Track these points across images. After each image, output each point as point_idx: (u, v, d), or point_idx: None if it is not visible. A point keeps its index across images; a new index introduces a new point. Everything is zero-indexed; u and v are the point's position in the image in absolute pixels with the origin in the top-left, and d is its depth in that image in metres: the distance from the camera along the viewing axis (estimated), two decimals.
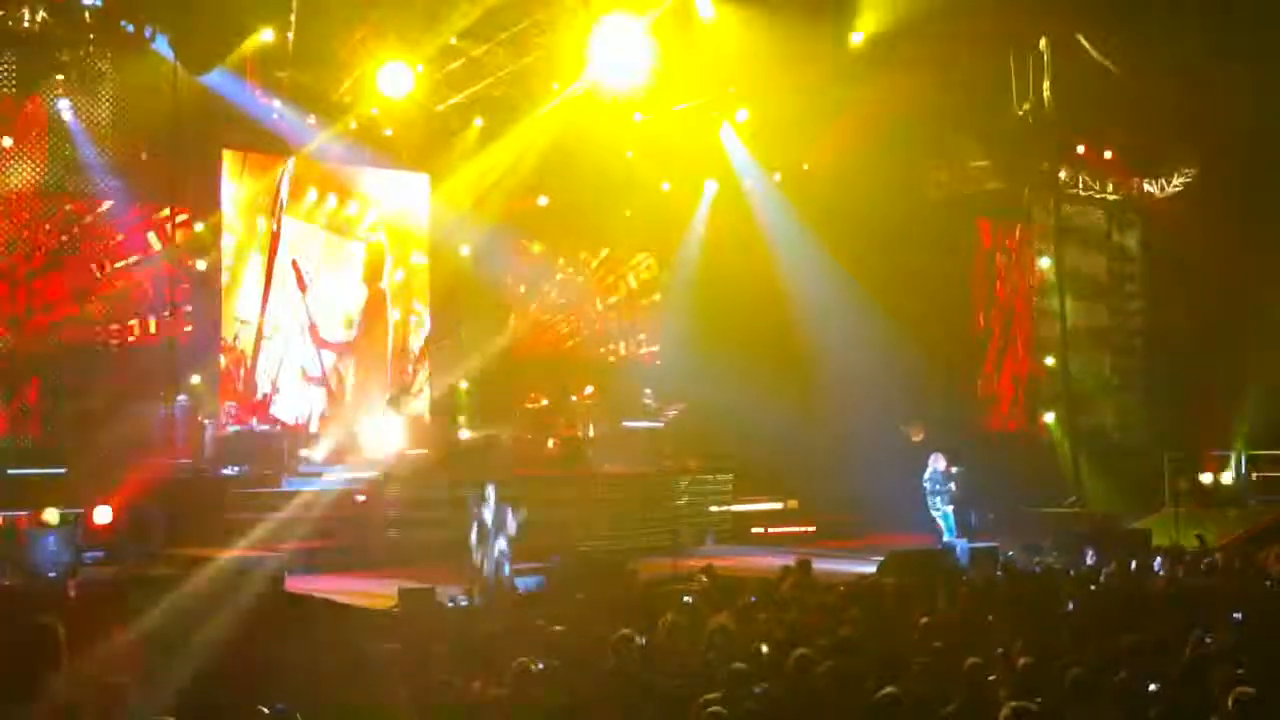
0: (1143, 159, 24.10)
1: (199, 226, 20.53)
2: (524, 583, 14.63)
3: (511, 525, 14.83)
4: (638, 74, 19.79)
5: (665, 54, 19.50)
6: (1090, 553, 16.36)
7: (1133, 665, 8.34)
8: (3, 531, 15.38)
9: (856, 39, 19.55)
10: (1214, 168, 22.68)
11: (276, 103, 20.49)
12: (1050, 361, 24.54)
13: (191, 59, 18.39)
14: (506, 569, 14.69)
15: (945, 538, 18.52)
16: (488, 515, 14.83)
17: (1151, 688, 7.80)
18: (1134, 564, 14.52)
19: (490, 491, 15.02)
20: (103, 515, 16.16)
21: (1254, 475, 22.20)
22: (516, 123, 22.01)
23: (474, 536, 14.82)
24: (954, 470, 18.76)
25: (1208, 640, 8.94)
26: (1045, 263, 25.07)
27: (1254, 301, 22.04)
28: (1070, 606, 10.93)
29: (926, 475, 18.79)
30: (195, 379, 20.11)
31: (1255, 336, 21.82)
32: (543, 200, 24.26)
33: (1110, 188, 25.13)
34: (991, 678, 8.23)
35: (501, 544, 14.71)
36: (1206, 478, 22.40)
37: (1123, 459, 22.95)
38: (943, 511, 18.66)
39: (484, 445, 21.15)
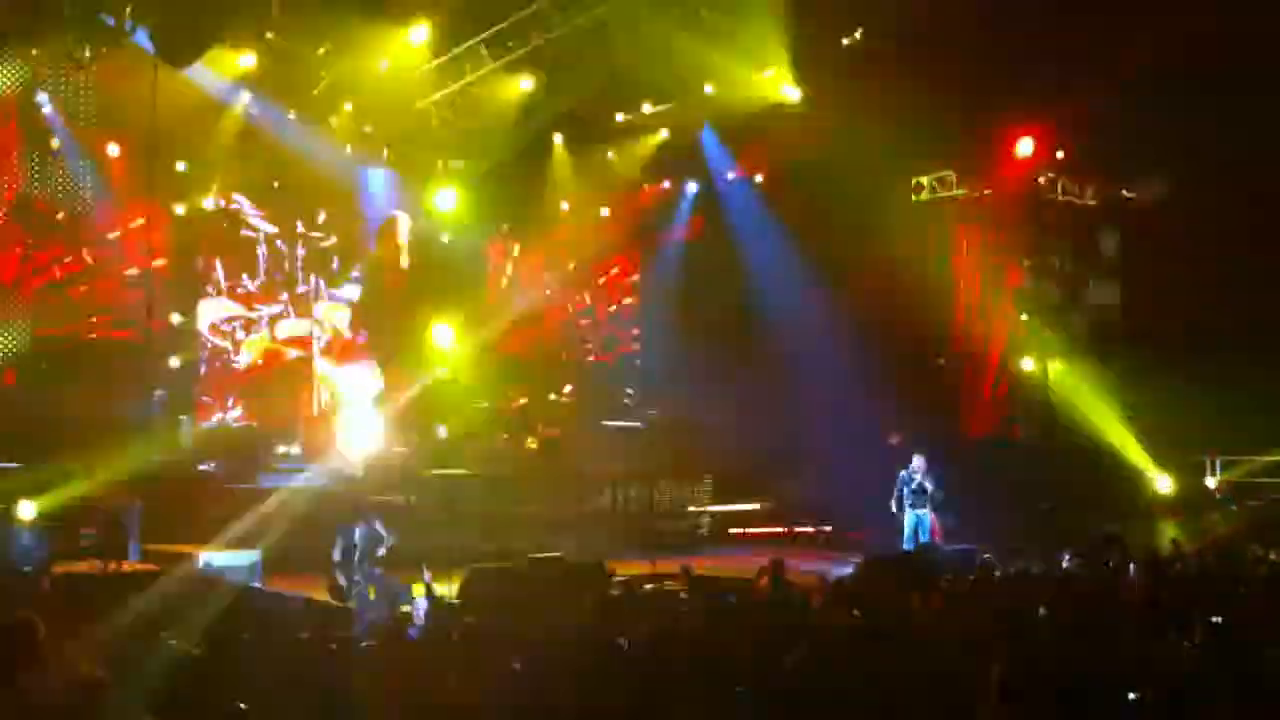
0: (1120, 165, 24.14)
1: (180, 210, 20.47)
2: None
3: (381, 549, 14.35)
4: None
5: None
6: (1066, 557, 16.40)
7: (1109, 670, 8.38)
8: None
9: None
10: (1193, 173, 22.72)
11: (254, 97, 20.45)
12: (1029, 366, 24.61)
13: (172, 52, 18.31)
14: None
15: (907, 543, 18.56)
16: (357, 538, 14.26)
17: (1130, 696, 7.81)
18: (1110, 566, 14.57)
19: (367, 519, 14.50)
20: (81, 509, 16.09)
21: (1229, 479, 22.32)
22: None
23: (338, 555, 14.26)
24: (931, 472, 18.81)
25: (1185, 645, 8.99)
26: (1024, 268, 25.15)
27: (1233, 305, 22.12)
28: (1042, 611, 10.92)
29: (902, 475, 18.84)
30: (175, 361, 20.06)
31: (1233, 340, 21.90)
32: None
33: (1089, 193, 25.20)
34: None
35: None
36: (1181, 482, 22.51)
37: (1099, 463, 23.00)
38: (913, 514, 18.69)
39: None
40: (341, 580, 13.77)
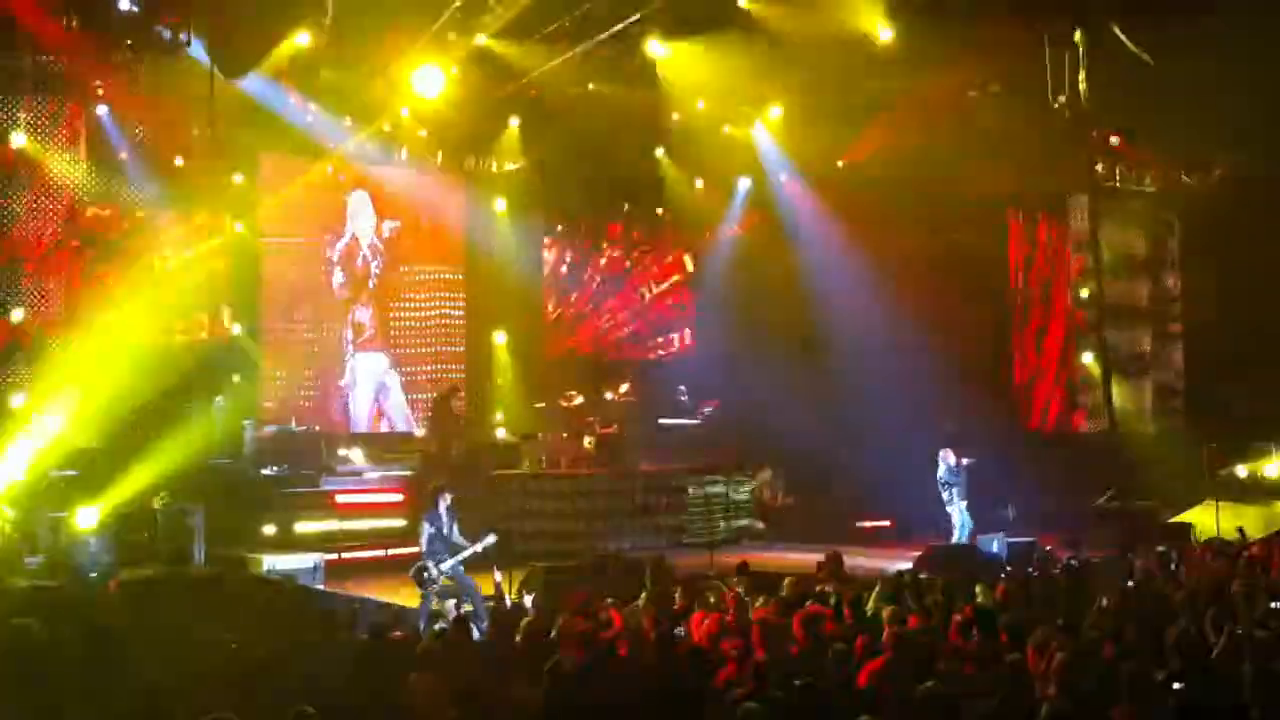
0: (1181, 151, 23.86)
1: (239, 228, 20.71)
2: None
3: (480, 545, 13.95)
4: None
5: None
6: (1129, 547, 16.26)
7: (1168, 660, 8.34)
8: (48, 532, 15.57)
9: (885, 36, 19.39)
10: (1251, 160, 22.40)
11: (312, 106, 20.65)
12: (1089, 359, 24.40)
13: (227, 64, 18.55)
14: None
15: (956, 536, 18.45)
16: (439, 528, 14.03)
17: (1176, 686, 7.77)
18: (1173, 557, 14.45)
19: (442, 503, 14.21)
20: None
21: None
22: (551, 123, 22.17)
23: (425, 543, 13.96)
24: (965, 463, 18.69)
25: (1238, 633, 8.92)
26: (1082, 259, 24.93)
27: None
28: (1104, 602, 10.86)
29: (940, 473, 18.75)
30: (235, 378, 20.31)
31: None
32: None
33: (1148, 180, 24.95)
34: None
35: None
36: (1247, 469, 22.22)
37: (1162, 450, 22.77)
38: (958, 507, 18.59)
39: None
40: (431, 567, 13.68)
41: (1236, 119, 20.40)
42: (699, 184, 25.18)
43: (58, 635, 8.71)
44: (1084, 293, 24.90)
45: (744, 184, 25.30)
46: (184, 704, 7.15)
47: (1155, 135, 23.24)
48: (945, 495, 18.78)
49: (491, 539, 13.91)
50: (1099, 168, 23.99)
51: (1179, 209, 25.50)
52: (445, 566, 13.64)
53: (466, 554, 13.79)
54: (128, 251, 19.55)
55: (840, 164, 23.96)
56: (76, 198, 19.10)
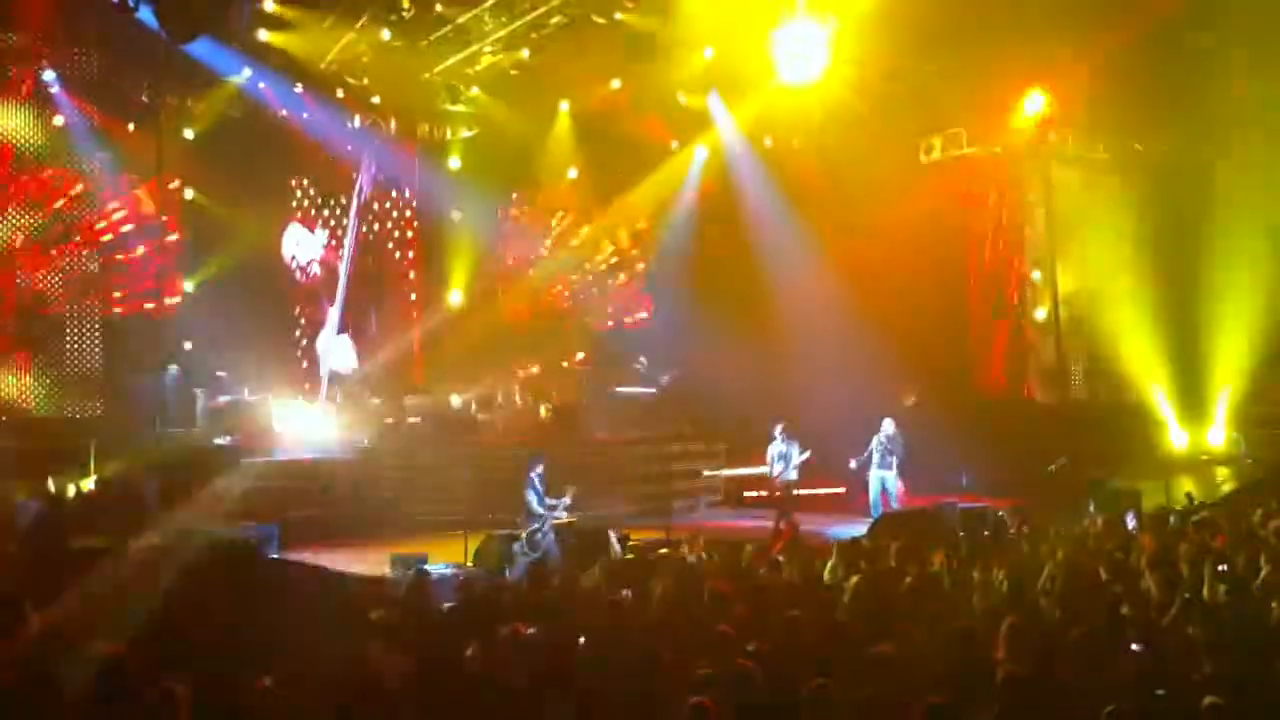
0: (1132, 119, 23.95)
1: (189, 194, 20.52)
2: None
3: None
4: None
5: None
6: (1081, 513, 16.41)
7: (1119, 625, 8.43)
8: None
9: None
10: (1202, 126, 22.54)
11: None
12: (1041, 315, 24.55)
13: (176, 28, 18.29)
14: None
15: (874, 506, 18.54)
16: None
17: (1135, 648, 7.86)
18: (1124, 522, 14.62)
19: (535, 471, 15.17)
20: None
21: (1245, 434, 22.26)
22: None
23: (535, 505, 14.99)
24: (899, 437, 18.76)
25: (1187, 598, 9.04)
26: (1036, 224, 25.03)
27: (1252, 258, 21.97)
28: (1053, 566, 10.92)
29: (877, 440, 18.82)
30: (188, 345, 20.16)
31: (1251, 294, 21.81)
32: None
33: (1100, 148, 25.03)
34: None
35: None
36: (1195, 437, 22.49)
37: (1113, 418, 22.96)
38: (878, 475, 18.65)
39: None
40: (537, 529, 14.69)
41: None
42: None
43: None
44: (1040, 258, 24.98)
45: (700, 153, 25.25)
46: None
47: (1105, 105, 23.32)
48: (873, 462, 18.81)
49: (570, 495, 15.05)
50: (1051, 137, 24.04)
51: (1133, 174, 25.58)
52: (548, 527, 14.77)
53: (560, 511, 14.99)
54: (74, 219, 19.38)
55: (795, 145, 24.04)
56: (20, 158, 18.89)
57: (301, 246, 23.45)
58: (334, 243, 23.42)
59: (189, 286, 20.75)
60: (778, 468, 18.35)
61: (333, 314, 22.73)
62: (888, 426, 18.80)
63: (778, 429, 18.55)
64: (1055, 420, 22.91)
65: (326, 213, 23.73)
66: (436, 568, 13.67)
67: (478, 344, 23.17)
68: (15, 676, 6.81)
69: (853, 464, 18.80)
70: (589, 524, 15.76)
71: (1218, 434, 22.66)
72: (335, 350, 22.59)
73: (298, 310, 23.66)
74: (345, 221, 23.23)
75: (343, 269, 22.94)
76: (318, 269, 23.26)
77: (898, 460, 18.59)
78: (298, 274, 23.41)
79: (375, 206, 23.69)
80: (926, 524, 16.17)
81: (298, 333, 23.43)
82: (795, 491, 18.41)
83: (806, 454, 18.19)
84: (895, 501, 18.51)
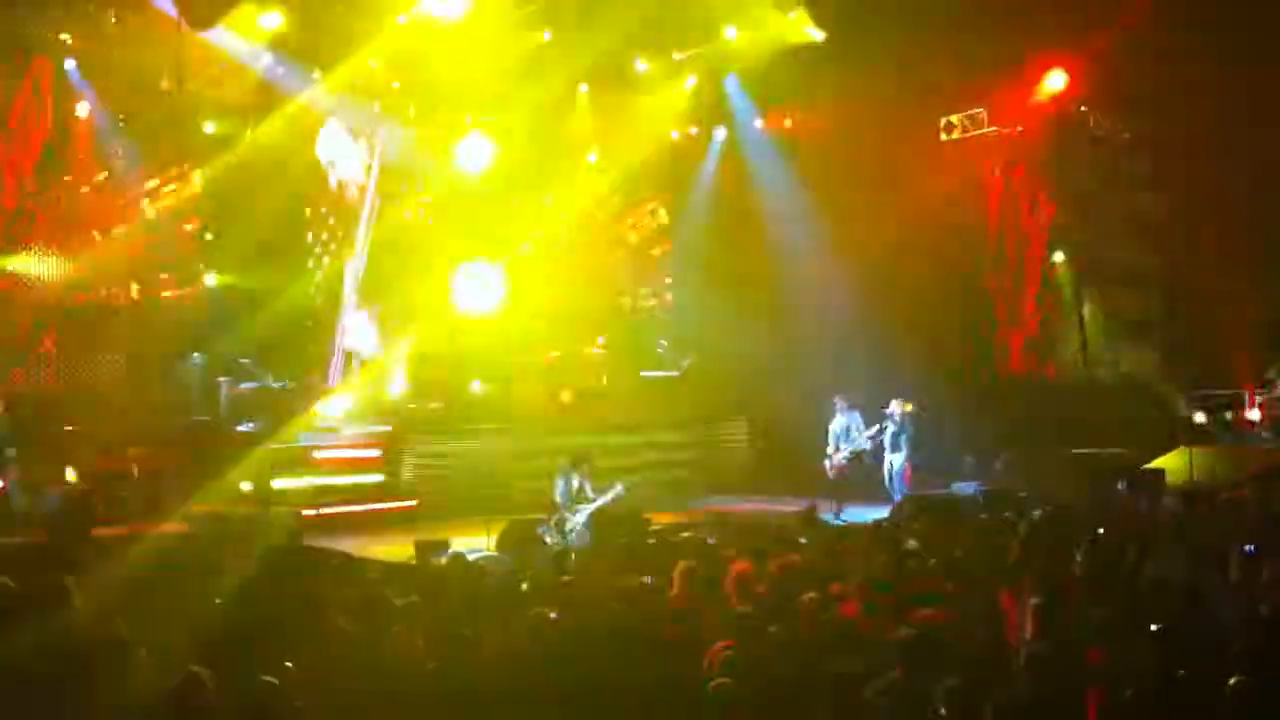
0: (1152, 98, 23.77)
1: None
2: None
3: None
4: None
5: None
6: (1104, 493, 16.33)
7: (1143, 603, 8.40)
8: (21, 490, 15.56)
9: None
10: (1224, 104, 22.34)
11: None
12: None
13: (195, 15, 18.33)
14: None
15: (898, 487, 18.36)
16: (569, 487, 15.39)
17: (1153, 627, 7.82)
18: (1147, 502, 14.57)
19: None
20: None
21: (1268, 412, 22.08)
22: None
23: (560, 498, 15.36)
24: (910, 412, 18.60)
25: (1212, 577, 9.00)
26: (1057, 203, 24.87)
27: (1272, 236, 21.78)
28: (1080, 547, 10.87)
29: (889, 420, 18.63)
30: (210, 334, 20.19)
31: (1274, 271, 21.63)
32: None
33: (1121, 127, 24.83)
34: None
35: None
36: (1220, 415, 22.32)
37: (1137, 397, 22.83)
38: (902, 455, 18.48)
39: None
40: (568, 519, 15.06)
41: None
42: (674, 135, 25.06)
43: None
44: (1060, 238, 24.83)
45: (720, 134, 25.19)
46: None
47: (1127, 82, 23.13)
48: (890, 444, 18.69)
49: (620, 489, 15.47)
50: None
51: (1154, 153, 25.38)
52: (580, 517, 15.09)
53: (600, 502, 15.31)
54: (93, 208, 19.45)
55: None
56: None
57: (340, 154, 22.31)
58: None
59: (211, 278, 20.73)
60: (843, 445, 18.37)
61: (349, 288, 22.18)
62: (896, 406, 18.67)
63: (837, 401, 18.49)
64: (1076, 400, 22.79)
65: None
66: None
67: (496, 329, 23.11)
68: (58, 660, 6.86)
69: (868, 443, 18.70)
70: (615, 508, 15.76)
71: (1247, 412, 22.44)
72: (353, 329, 22.16)
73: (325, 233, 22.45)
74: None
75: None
76: (354, 191, 22.65)
77: (907, 440, 18.50)
78: (334, 183, 22.28)
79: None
80: (950, 506, 16.12)
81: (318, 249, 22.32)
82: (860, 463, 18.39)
83: (874, 429, 18.22)
84: (902, 483, 18.38)
